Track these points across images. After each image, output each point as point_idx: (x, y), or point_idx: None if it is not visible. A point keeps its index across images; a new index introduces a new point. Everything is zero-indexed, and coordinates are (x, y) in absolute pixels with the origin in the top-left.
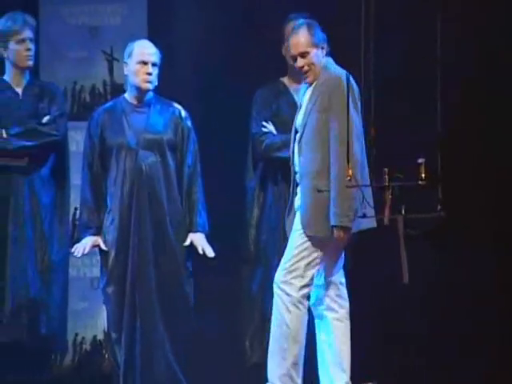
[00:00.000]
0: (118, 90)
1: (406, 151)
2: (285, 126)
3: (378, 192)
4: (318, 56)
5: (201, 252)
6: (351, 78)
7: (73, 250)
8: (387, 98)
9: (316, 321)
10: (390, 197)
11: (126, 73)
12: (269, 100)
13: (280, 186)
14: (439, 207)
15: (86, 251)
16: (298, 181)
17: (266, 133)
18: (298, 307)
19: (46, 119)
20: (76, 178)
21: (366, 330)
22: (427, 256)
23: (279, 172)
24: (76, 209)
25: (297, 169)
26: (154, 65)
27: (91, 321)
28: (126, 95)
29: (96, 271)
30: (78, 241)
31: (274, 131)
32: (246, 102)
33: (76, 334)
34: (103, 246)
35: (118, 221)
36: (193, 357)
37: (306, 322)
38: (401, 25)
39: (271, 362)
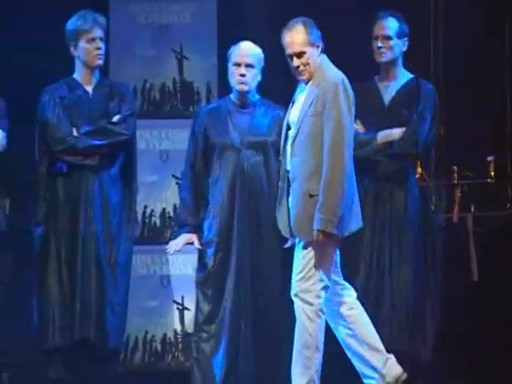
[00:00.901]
0: (188, 88)
1: (474, 149)
2: (371, 124)
3: (447, 190)
4: (314, 55)
5: None
6: (347, 83)
7: (167, 246)
8: (455, 95)
9: (330, 321)
10: (459, 195)
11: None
12: (360, 99)
13: (359, 184)
14: (508, 205)
15: (178, 248)
16: (290, 181)
17: None
18: (319, 316)
19: (116, 118)
20: (143, 175)
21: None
22: (493, 254)
23: (359, 170)
24: (146, 207)
25: (288, 168)
26: (248, 66)
27: (161, 319)
28: (232, 95)
29: (166, 269)
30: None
31: (361, 129)
32: None
33: (146, 332)
34: (197, 244)
35: (219, 219)
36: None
37: (324, 330)
38: (468, 22)
39: (295, 372)
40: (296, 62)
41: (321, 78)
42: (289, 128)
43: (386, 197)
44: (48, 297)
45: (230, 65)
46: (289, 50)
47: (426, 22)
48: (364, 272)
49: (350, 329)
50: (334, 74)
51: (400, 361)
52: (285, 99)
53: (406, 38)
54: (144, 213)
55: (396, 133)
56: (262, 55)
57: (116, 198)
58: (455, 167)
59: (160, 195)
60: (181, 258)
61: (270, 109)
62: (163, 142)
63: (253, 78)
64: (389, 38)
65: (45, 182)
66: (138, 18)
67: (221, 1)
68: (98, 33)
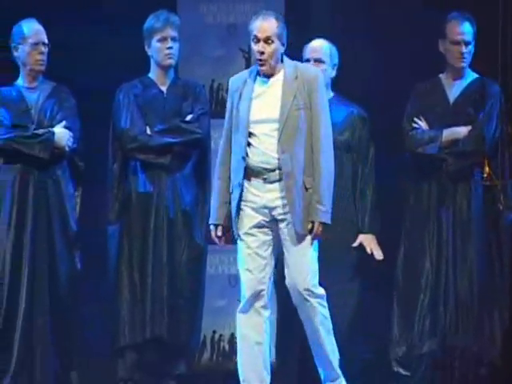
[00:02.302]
0: None
1: None
2: (435, 121)
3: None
4: (279, 50)
5: (369, 252)
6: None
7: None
8: None
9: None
10: None
11: None
12: (423, 96)
13: (424, 182)
14: None
15: None
16: (275, 178)
17: (415, 128)
18: (325, 300)
19: (189, 117)
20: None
21: None
22: None
23: (424, 168)
24: None
25: (270, 165)
26: (317, 61)
27: (229, 318)
28: None
29: (233, 269)
30: None
31: (425, 127)
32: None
33: (214, 332)
34: None
35: None
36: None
37: None
38: None
39: (327, 361)
40: (261, 46)
41: (297, 71)
42: (247, 125)
43: (449, 196)
44: (120, 295)
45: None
46: (258, 34)
47: (493, 22)
48: (430, 271)
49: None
50: (311, 67)
51: (467, 359)
52: (356, 95)
53: (475, 40)
54: None
55: (462, 131)
56: (335, 52)
57: (189, 197)
58: None
59: None
60: None
61: (344, 106)
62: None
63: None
64: (469, 43)
65: (117, 180)
66: (206, 18)
67: (288, 1)
68: (170, 32)
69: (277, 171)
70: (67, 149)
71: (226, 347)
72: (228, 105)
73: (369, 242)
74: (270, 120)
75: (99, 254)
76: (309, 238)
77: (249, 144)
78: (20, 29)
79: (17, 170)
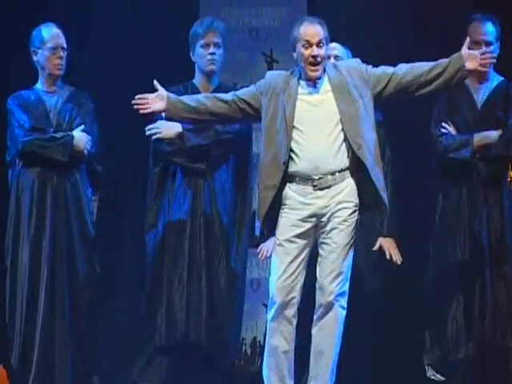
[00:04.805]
0: None
1: None
2: (465, 126)
3: None
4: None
5: (388, 257)
6: None
7: (258, 250)
8: None
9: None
10: None
11: None
12: (450, 100)
13: (453, 187)
14: None
15: (268, 253)
16: (326, 184)
17: (444, 134)
18: (344, 318)
19: None
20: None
21: None
22: None
23: (453, 173)
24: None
25: (321, 171)
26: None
27: (251, 322)
28: None
29: (255, 272)
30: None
31: (454, 132)
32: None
33: None
34: None
35: None
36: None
37: None
38: None
39: (330, 371)
40: (316, 50)
41: (337, 68)
42: (292, 128)
43: (481, 201)
44: (157, 299)
45: None
46: (311, 39)
47: None
48: (463, 275)
49: None
50: (345, 60)
51: (505, 364)
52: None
53: (499, 41)
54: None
55: (493, 135)
56: (349, 54)
57: (227, 203)
58: None
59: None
60: (270, 260)
61: None
62: (254, 146)
63: None
64: (490, 43)
65: (157, 185)
66: (228, 22)
67: (311, 5)
68: (213, 38)
69: (329, 176)
70: (86, 153)
71: (248, 351)
72: (257, 87)
73: (388, 245)
74: (326, 122)
75: (117, 258)
76: (349, 242)
77: (293, 149)
78: (39, 33)
79: (35, 173)
